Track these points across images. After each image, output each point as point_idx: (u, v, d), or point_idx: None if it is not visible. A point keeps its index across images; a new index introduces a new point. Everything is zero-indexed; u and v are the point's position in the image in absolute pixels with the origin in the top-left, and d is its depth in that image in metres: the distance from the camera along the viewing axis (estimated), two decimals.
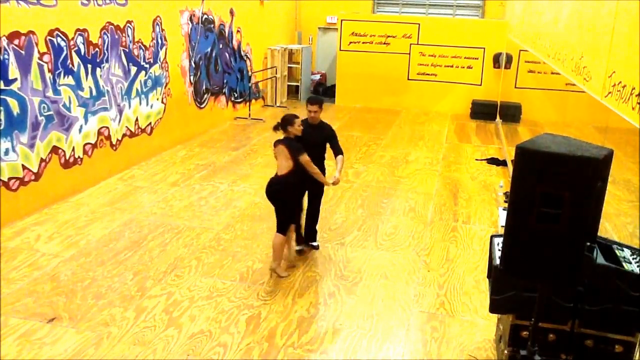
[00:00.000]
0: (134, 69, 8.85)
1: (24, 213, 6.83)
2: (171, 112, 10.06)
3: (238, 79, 12.89)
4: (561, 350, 3.88)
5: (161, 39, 9.55)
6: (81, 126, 7.72)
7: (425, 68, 14.42)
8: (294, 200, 5.80)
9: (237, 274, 5.75)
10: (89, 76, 7.82)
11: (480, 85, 14.15)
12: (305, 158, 5.54)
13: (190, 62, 10.61)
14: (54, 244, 6.23)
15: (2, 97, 6.37)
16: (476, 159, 10.26)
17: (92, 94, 7.89)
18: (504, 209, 5.95)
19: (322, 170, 5.90)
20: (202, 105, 11.29)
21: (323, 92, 15.85)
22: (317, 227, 6.36)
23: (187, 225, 6.86)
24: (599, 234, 3.58)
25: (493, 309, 4.04)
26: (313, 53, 16.04)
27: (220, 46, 11.86)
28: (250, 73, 13.37)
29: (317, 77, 16.14)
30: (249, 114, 12.73)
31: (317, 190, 6.08)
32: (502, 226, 4.66)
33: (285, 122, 5.66)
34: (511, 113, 13.46)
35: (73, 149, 7.61)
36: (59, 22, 7.19)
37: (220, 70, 11.99)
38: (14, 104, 6.55)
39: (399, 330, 4.90)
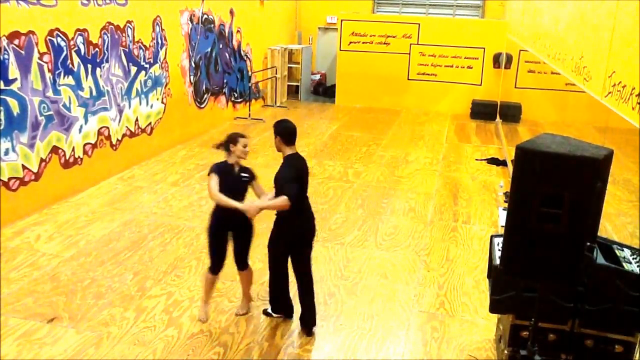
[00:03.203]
0: (134, 69, 8.84)
1: (24, 213, 6.82)
2: (171, 112, 10.06)
3: (238, 79, 12.89)
4: (561, 350, 3.88)
5: (161, 39, 9.55)
6: (81, 126, 7.72)
7: (425, 68, 14.42)
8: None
9: (236, 275, 5.73)
10: (89, 76, 7.82)
11: (480, 85, 14.15)
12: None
13: (190, 62, 10.61)
14: (54, 244, 6.23)
15: (2, 97, 6.37)
16: (476, 159, 10.26)
17: (92, 94, 7.89)
18: (504, 209, 5.96)
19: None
20: (202, 105, 11.28)
21: (323, 92, 15.86)
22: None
23: (187, 225, 6.86)
24: (599, 234, 3.58)
25: (493, 309, 4.04)
26: (313, 53, 16.04)
27: (220, 46, 11.86)
28: (250, 73, 13.36)
29: (317, 77, 16.14)
30: (249, 114, 12.73)
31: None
32: (502, 226, 4.66)
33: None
34: (511, 113, 13.46)
35: (73, 149, 7.61)
36: (59, 22, 7.19)
37: (220, 70, 11.98)
38: (14, 104, 6.54)
39: (399, 330, 4.90)
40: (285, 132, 4.58)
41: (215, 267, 4.85)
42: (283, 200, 4.34)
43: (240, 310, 5.05)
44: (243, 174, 4.72)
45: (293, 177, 4.48)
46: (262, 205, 4.49)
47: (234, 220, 4.63)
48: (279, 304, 4.96)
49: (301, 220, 4.65)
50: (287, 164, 4.56)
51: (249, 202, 4.60)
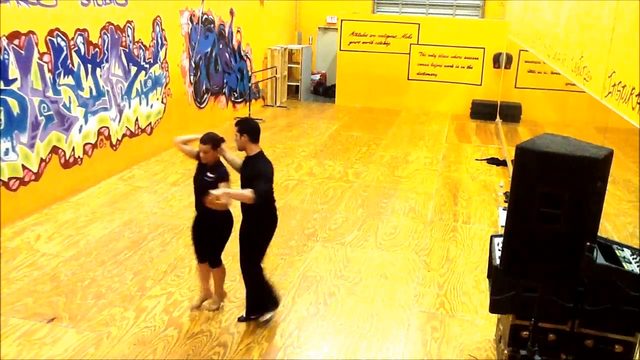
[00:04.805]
0: (134, 69, 8.84)
1: (24, 213, 6.82)
2: (171, 112, 10.06)
3: (238, 79, 12.89)
4: (561, 350, 3.88)
5: (161, 39, 9.55)
6: (81, 126, 7.72)
7: (425, 68, 14.42)
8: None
9: (237, 274, 5.72)
10: (89, 76, 7.82)
11: (480, 85, 14.15)
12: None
13: (190, 62, 10.61)
14: (54, 244, 6.23)
15: (2, 97, 6.37)
16: (476, 159, 10.26)
17: (92, 94, 7.89)
18: (504, 209, 5.96)
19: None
20: (202, 105, 11.28)
21: (323, 92, 15.86)
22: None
23: (187, 225, 6.83)
24: (599, 234, 3.58)
25: (493, 309, 4.05)
26: (313, 53, 16.04)
27: (220, 46, 11.86)
28: (250, 73, 13.36)
29: (317, 77, 16.14)
30: (249, 114, 12.70)
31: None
32: (502, 226, 4.67)
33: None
34: (511, 113, 13.46)
35: (73, 149, 7.61)
36: (59, 22, 7.19)
37: (220, 70, 11.98)
38: (14, 104, 6.54)
39: (399, 330, 4.90)
40: (253, 131, 4.70)
41: (197, 255, 5.09)
42: (249, 193, 4.39)
43: (212, 305, 5.12)
44: (209, 175, 4.78)
45: (270, 177, 4.63)
46: (228, 191, 4.53)
47: (208, 215, 4.78)
48: (275, 296, 5.02)
49: (272, 219, 4.81)
50: (263, 160, 4.68)
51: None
